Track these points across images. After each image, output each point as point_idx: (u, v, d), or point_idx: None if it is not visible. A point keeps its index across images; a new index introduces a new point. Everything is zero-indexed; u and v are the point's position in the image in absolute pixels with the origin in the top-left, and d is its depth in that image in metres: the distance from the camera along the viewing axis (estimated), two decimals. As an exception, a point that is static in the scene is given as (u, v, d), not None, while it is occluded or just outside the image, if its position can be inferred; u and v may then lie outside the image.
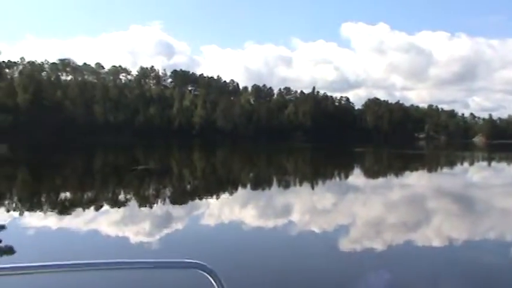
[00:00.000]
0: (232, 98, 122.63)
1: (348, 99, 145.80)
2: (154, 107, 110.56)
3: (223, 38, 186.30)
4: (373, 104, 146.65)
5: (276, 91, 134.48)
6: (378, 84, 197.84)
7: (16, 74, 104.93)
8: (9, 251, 9.91)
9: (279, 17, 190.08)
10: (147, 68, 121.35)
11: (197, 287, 1.98)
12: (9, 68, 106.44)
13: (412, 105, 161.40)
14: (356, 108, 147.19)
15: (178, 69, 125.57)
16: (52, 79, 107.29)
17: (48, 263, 1.60)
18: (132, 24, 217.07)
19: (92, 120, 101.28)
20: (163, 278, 6.71)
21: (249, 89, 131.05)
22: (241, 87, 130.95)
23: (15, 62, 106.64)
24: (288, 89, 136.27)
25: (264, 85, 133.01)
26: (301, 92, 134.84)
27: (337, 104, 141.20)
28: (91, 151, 57.53)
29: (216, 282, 1.69)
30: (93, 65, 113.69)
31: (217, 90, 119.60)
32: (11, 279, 1.64)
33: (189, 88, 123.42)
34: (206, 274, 1.69)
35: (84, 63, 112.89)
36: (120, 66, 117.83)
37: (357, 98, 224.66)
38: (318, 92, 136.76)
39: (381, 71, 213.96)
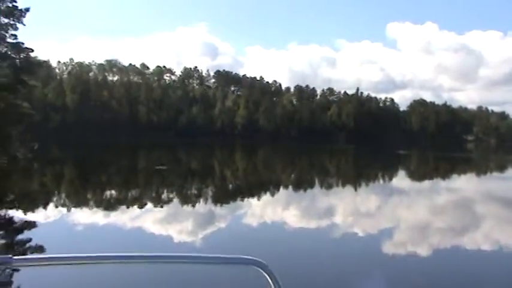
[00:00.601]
0: (274, 99, 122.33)
1: (392, 100, 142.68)
2: (197, 107, 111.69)
3: (267, 39, 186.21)
4: (419, 105, 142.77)
5: (319, 92, 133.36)
6: (425, 85, 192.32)
7: (65, 75, 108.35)
8: (39, 249, 9.98)
9: (323, 18, 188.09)
10: (190, 69, 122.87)
11: (252, 284, 1.97)
12: (59, 69, 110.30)
13: (460, 106, 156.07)
14: (401, 109, 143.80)
15: (222, 70, 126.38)
16: (99, 79, 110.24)
17: (106, 253, 1.65)
18: (178, 25, 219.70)
19: (136, 120, 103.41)
20: (219, 274, 6.75)
21: (292, 89, 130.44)
22: (284, 87, 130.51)
23: (64, 63, 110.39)
24: (331, 90, 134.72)
25: (307, 86, 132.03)
26: (345, 92, 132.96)
27: (381, 105, 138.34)
28: (135, 150, 58.63)
29: (271, 279, 1.68)
30: (138, 66, 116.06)
31: (260, 91, 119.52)
32: (75, 268, 1.72)
33: (232, 88, 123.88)
34: (262, 271, 1.68)
35: (130, 64, 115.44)
36: (164, 66, 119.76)
37: (403, 99, 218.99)
38: (361, 92, 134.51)
39: (428, 71, 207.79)
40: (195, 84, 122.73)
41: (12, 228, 12.50)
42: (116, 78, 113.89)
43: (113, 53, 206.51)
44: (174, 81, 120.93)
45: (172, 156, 51.01)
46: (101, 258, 1.68)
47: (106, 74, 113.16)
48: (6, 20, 33.76)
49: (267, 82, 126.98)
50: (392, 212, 18.05)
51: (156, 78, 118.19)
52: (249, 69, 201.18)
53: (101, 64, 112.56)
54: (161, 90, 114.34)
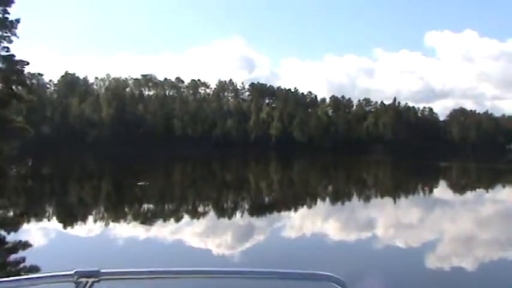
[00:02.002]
0: (309, 110, 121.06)
1: (431, 109, 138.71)
2: (231, 119, 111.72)
3: (303, 50, 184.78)
4: (459, 114, 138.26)
5: (355, 102, 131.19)
6: (466, 93, 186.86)
7: (102, 90, 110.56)
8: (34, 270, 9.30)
9: (360, 28, 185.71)
10: (225, 82, 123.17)
11: None
12: (96, 85, 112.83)
13: (503, 115, 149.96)
14: (441, 119, 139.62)
15: (257, 82, 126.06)
16: (135, 94, 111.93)
17: (177, 268, 1.70)
18: (215, 39, 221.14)
19: (171, 133, 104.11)
20: None
21: (327, 100, 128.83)
22: (319, 99, 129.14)
23: (102, 79, 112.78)
24: (367, 100, 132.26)
25: (343, 96, 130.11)
26: (382, 103, 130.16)
27: (420, 115, 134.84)
28: (171, 163, 58.52)
29: None
30: (173, 80, 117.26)
31: (295, 103, 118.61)
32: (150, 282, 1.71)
33: (267, 101, 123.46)
34: (339, 287, 1.65)
35: (165, 78, 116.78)
36: (199, 80, 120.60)
37: (444, 108, 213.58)
38: (399, 102, 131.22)
39: (469, 79, 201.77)
40: (229, 97, 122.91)
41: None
42: (151, 92, 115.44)
43: (149, 68, 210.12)
44: (208, 94, 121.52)
45: (207, 168, 50.54)
46: (188, 272, 1.75)
47: (142, 88, 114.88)
48: None
49: (302, 94, 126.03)
50: (441, 224, 16.69)
51: (191, 91, 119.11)
52: (286, 81, 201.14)
53: (137, 79, 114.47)
54: (196, 103, 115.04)
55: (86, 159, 60.99)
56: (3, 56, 33.04)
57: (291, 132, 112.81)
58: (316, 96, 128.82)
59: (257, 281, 1.81)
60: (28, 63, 35.45)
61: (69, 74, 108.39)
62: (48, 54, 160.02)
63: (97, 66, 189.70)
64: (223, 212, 19.49)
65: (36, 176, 34.06)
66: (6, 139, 30.84)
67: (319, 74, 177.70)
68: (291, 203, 22.52)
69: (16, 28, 33.14)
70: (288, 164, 63.28)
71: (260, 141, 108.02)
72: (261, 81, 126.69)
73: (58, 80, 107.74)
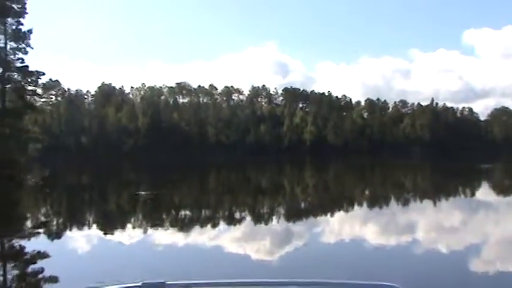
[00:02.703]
0: (344, 114, 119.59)
1: (471, 109, 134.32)
2: (265, 125, 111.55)
3: (338, 54, 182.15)
4: (501, 113, 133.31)
5: (391, 104, 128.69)
6: (507, 92, 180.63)
7: (138, 99, 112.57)
8: (53, 279, 9.27)
9: (394, 29, 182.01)
10: (258, 87, 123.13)
11: None
12: (132, 94, 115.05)
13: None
14: (482, 119, 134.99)
15: (293, 87, 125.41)
16: (170, 102, 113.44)
17: (239, 280, 1.74)
18: (248, 45, 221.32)
19: (205, 140, 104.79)
20: None
21: (362, 103, 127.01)
22: (354, 102, 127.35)
23: (137, 88, 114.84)
24: (403, 102, 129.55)
25: (378, 99, 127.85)
26: (418, 104, 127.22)
27: (459, 115, 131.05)
28: (206, 170, 58.68)
29: None
30: (207, 87, 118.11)
31: (329, 106, 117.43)
32: None
33: (300, 105, 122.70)
34: None
35: (199, 86, 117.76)
36: (232, 86, 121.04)
37: (484, 108, 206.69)
38: (436, 103, 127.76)
39: (510, 77, 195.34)
40: (263, 103, 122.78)
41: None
42: (185, 100, 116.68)
43: (183, 76, 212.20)
44: (242, 100, 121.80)
45: (242, 175, 50.38)
46: (249, 284, 1.79)
47: (176, 96, 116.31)
48: (14, 44, 33.73)
49: (336, 97, 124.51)
50: (495, 229, 15.83)
51: (224, 98, 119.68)
52: (321, 85, 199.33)
53: (171, 87, 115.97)
54: (229, 110, 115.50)
55: (123, 167, 61.97)
56: (17, 67, 33.64)
57: (325, 136, 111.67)
58: (350, 99, 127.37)
59: None
60: (44, 74, 36.08)
61: (106, 84, 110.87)
62: (86, 66, 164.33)
63: (132, 76, 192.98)
64: (267, 219, 19.23)
65: (53, 186, 34.66)
66: (21, 149, 31.32)
67: (354, 77, 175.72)
68: (331, 208, 21.96)
69: (30, 39, 33.82)
70: (323, 168, 62.48)
71: (294, 146, 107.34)
72: (295, 86, 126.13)
73: (95, 91, 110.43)
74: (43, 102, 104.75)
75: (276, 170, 58.84)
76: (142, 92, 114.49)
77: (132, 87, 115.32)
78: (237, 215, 20.14)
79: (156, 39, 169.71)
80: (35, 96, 37.81)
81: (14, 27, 33.26)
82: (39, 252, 12.01)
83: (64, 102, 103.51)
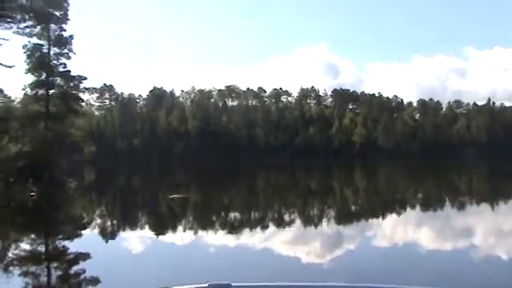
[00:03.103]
0: (395, 115, 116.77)
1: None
2: (313, 127, 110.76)
3: (389, 53, 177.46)
4: None
5: (444, 105, 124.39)
6: None
7: (188, 102, 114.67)
8: (94, 281, 9.37)
9: (447, 27, 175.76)
10: (307, 89, 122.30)
11: None
12: (182, 97, 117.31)
13: None
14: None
15: (344, 88, 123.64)
16: (220, 105, 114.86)
17: (305, 283, 1.84)
18: (297, 47, 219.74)
19: (254, 142, 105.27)
20: None
21: (414, 104, 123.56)
22: (405, 102, 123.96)
23: (187, 91, 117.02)
24: (458, 102, 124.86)
25: (431, 99, 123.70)
26: (474, 104, 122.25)
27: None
28: (255, 172, 58.86)
29: None
30: (255, 90, 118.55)
31: (379, 107, 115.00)
32: None
33: (350, 107, 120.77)
34: None
35: (248, 88, 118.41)
36: (280, 88, 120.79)
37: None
38: (493, 103, 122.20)
39: None
40: (312, 105, 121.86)
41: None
42: (235, 103, 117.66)
43: (232, 78, 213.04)
44: (290, 102, 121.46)
45: (291, 177, 50.16)
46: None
47: (225, 99, 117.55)
48: (57, 50, 34.70)
49: (387, 98, 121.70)
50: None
51: (273, 100, 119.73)
52: (372, 86, 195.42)
53: (221, 90, 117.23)
54: (278, 112, 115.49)
55: (172, 169, 63.17)
56: (60, 72, 34.89)
57: (376, 138, 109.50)
58: (402, 100, 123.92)
59: None
60: (86, 78, 37.16)
61: (157, 88, 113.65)
62: (138, 69, 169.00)
63: (183, 79, 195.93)
64: (318, 221, 19.05)
65: (95, 188, 35.53)
66: (63, 153, 32.36)
67: (406, 77, 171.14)
68: (382, 211, 21.43)
69: (71, 44, 35.08)
70: (373, 170, 61.27)
71: (343, 148, 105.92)
72: (346, 87, 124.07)
73: (147, 95, 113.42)
74: (97, 106, 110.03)
75: (325, 172, 58.22)
76: (192, 95, 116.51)
77: (182, 90, 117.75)
78: (289, 218, 20.02)
79: (206, 42, 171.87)
80: (79, 101, 38.97)
81: (56, 33, 34.48)
82: (82, 253, 12.31)
83: (117, 106, 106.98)
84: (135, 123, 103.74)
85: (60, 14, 34.05)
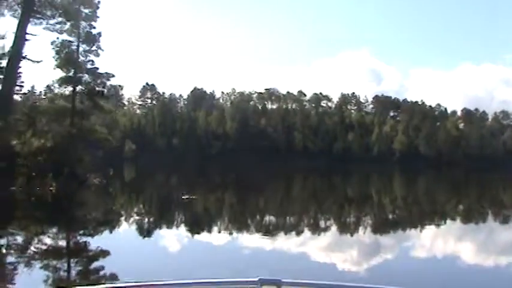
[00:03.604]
0: (438, 123, 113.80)
1: None
2: (353, 133, 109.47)
3: (435, 60, 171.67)
4: None
5: (490, 115, 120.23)
6: None
7: (228, 104, 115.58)
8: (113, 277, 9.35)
9: (495, 35, 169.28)
10: (348, 95, 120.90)
11: None
12: (222, 99, 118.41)
13: None
14: None
15: (386, 94, 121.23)
16: (259, 108, 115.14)
17: (353, 283, 1.91)
18: (340, 51, 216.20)
19: (291, 146, 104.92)
20: None
21: (458, 113, 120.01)
22: (449, 111, 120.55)
23: (227, 93, 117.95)
24: (505, 113, 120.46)
25: (476, 109, 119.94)
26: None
27: None
28: (292, 176, 58.63)
29: None
30: (295, 93, 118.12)
31: (421, 115, 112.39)
32: None
33: (391, 114, 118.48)
34: None
35: (288, 92, 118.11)
36: (321, 93, 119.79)
37: None
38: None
39: None
40: (352, 111, 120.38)
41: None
42: (274, 106, 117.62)
43: (273, 82, 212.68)
44: (330, 107, 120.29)
45: (328, 182, 49.64)
46: None
47: (265, 102, 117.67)
48: (86, 47, 34.64)
49: (430, 106, 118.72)
50: None
51: (313, 105, 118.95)
52: (415, 93, 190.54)
53: (260, 93, 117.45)
54: (317, 117, 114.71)
55: (210, 170, 63.70)
56: (88, 68, 35.06)
57: (417, 147, 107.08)
58: (445, 108, 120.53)
59: None
60: (113, 76, 37.06)
61: (198, 89, 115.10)
62: (180, 70, 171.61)
63: (223, 80, 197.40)
64: (354, 229, 18.82)
65: (116, 185, 35.78)
66: (87, 149, 32.38)
67: (451, 85, 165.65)
68: (421, 222, 20.82)
69: (99, 41, 35.12)
70: (413, 179, 59.83)
71: (383, 155, 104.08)
72: (389, 94, 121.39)
73: (187, 95, 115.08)
74: (139, 105, 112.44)
75: (364, 179, 57.30)
76: (232, 97, 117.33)
77: (222, 92, 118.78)
78: (325, 223, 19.86)
79: (248, 44, 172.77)
80: (105, 98, 38.86)
81: (86, 30, 34.64)
82: (103, 249, 12.45)
83: (158, 106, 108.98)
84: (175, 122, 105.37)
85: (89, 11, 34.22)
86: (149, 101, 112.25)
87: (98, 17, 34.73)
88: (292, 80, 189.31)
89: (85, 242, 13.86)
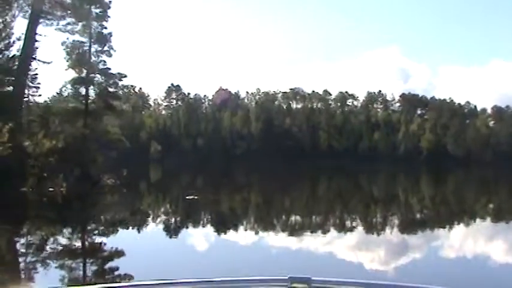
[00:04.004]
0: (467, 121, 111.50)
1: None
2: (379, 132, 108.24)
3: (464, 57, 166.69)
4: None
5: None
6: None
7: (253, 104, 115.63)
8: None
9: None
10: (374, 93, 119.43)
11: None
12: (247, 99, 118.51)
13: None
14: None
15: (413, 93, 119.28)
16: (284, 107, 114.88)
17: (385, 282, 1.78)
18: (367, 49, 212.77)
19: (317, 145, 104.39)
20: None
21: (488, 111, 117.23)
22: (479, 109, 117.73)
23: (252, 93, 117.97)
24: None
25: (507, 106, 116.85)
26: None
27: None
28: (316, 175, 58.35)
29: None
30: (320, 92, 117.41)
31: (450, 113, 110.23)
32: None
33: (418, 112, 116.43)
34: None
35: (313, 91, 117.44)
36: (346, 92, 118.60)
37: None
38: None
39: None
40: (378, 109, 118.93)
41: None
42: (299, 105, 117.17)
43: (298, 81, 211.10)
44: (356, 106, 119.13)
45: (354, 182, 49.21)
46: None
47: (290, 102, 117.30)
48: (98, 47, 34.22)
49: (459, 104, 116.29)
50: None
51: (338, 104, 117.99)
52: (444, 90, 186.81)
53: (285, 92, 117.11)
54: (342, 116, 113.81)
55: (235, 170, 63.90)
56: (100, 69, 34.70)
57: (445, 145, 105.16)
58: (475, 106, 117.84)
59: None
60: (125, 76, 36.44)
61: (223, 89, 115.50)
62: (205, 70, 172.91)
63: (248, 80, 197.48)
64: (381, 229, 18.61)
65: (130, 186, 35.80)
66: (100, 150, 32.16)
67: (481, 82, 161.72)
68: (448, 222, 20.47)
69: (111, 42, 34.62)
70: (443, 179, 58.79)
71: (409, 154, 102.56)
72: (417, 92, 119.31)
73: (212, 95, 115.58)
74: (165, 106, 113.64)
75: (390, 178, 56.60)
76: (257, 97, 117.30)
77: (247, 92, 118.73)
78: (351, 224, 19.73)
79: (273, 43, 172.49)
80: (118, 99, 38.48)
81: (97, 30, 34.28)
82: (118, 250, 12.58)
83: (183, 106, 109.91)
84: (200, 123, 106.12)
85: (100, 11, 33.91)
86: (174, 101, 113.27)
87: (109, 16, 34.29)
88: (318, 79, 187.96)
89: (100, 242, 14.05)
